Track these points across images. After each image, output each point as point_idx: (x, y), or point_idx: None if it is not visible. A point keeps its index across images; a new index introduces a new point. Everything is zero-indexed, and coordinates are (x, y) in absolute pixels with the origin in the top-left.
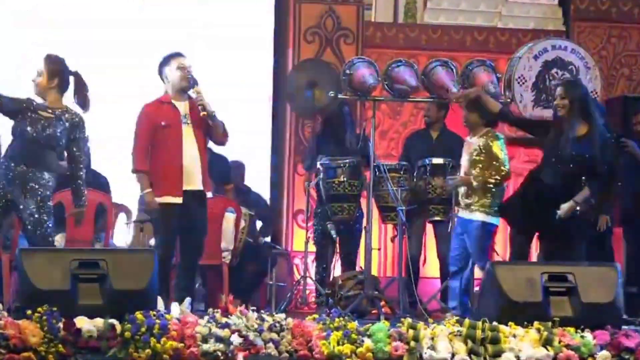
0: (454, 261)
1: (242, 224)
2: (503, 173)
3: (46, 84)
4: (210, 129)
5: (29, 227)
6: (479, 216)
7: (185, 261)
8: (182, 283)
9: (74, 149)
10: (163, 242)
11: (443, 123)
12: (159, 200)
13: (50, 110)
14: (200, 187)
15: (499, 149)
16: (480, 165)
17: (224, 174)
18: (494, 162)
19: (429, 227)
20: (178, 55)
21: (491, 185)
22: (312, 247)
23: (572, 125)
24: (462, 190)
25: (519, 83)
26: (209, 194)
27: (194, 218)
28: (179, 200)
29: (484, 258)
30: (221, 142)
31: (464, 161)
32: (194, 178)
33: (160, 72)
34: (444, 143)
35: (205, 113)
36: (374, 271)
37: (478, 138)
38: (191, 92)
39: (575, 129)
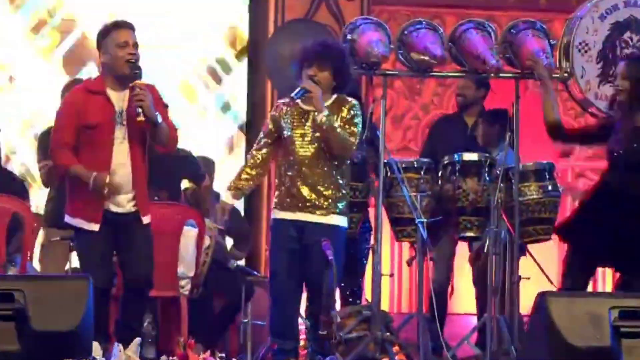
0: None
1: (207, 241)
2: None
3: None
4: (152, 132)
5: None
6: (338, 220)
7: (126, 295)
8: (124, 321)
9: None
10: (89, 272)
11: (482, 106)
12: (71, 221)
13: None
14: (132, 209)
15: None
16: None
17: (192, 175)
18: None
19: (459, 246)
20: (121, 26)
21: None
22: None
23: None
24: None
25: (580, 52)
26: (147, 219)
27: (126, 247)
28: (94, 227)
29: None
30: (168, 148)
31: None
32: (122, 198)
33: (98, 47)
34: None
35: (142, 119)
36: (385, 305)
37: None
38: (133, 84)
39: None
